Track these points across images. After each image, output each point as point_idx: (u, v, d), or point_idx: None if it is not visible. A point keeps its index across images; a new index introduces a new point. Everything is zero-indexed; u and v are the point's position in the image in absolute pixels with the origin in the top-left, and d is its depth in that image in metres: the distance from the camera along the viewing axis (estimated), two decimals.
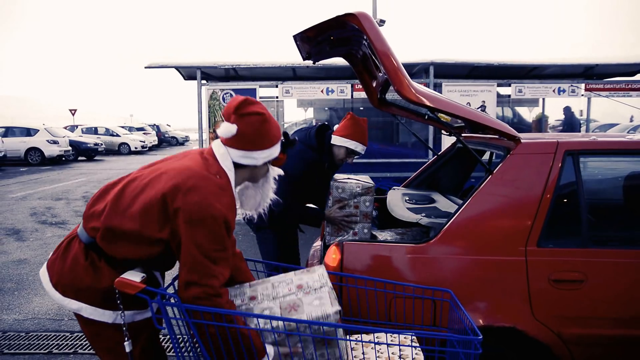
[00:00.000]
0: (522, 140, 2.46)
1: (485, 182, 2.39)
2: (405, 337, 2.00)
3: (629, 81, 9.50)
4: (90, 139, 23.82)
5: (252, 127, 1.83)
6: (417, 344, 1.97)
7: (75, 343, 3.77)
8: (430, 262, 2.35)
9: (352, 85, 9.13)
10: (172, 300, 1.73)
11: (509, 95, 9.70)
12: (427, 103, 2.29)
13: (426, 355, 1.97)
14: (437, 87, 9.25)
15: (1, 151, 17.60)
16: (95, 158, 23.29)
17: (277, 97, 9.80)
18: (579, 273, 2.29)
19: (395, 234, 3.10)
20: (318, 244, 3.42)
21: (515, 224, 2.34)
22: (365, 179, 3.06)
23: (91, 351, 3.60)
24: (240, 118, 1.82)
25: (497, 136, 2.73)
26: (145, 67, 9.17)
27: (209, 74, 9.71)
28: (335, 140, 3.12)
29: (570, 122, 11.87)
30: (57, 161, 20.39)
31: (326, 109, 11.17)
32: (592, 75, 10.14)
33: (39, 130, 19.87)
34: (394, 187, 3.57)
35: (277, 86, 9.38)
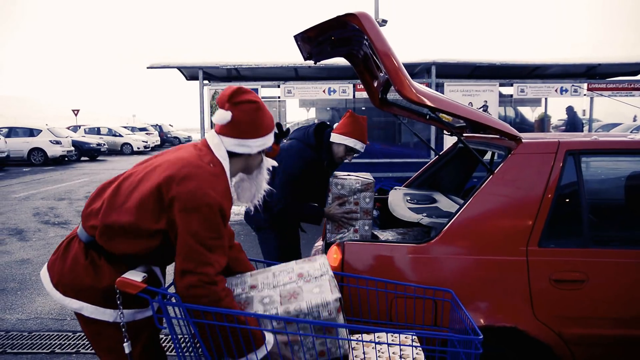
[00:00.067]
0: (523, 140, 2.46)
1: (487, 182, 2.39)
2: (406, 337, 2.00)
3: (632, 81, 9.47)
4: (93, 139, 23.87)
5: (247, 114, 1.84)
6: (418, 344, 1.97)
7: (77, 343, 3.79)
8: (432, 262, 2.35)
9: (354, 85, 9.13)
10: (173, 300, 1.74)
11: (511, 95, 9.70)
12: (428, 103, 2.29)
13: (427, 355, 1.97)
14: (439, 87, 9.24)
15: (4, 151, 17.65)
16: (98, 158, 23.33)
17: (279, 97, 9.81)
18: (580, 273, 2.28)
19: (397, 234, 3.10)
20: (320, 243, 3.42)
21: (517, 223, 2.34)
22: (365, 176, 3.05)
23: (93, 351, 3.61)
24: (235, 106, 1.84)
25: (498, 136, 2.73)
26: (148, 68, 9.19)
27: (211, 74, 9.73)
28: (335, 138, 3.12)
29: (573, 122, 11.85)
30: (60, 161, 20.43)
31: (328, 109, 11.18)
32: (595, 75, 10.12)
33: (41, 131, 19.92)
34: (396, 187, 3.57)
35: (279, 86, 9.38)
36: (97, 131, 27.17)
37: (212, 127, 2.45)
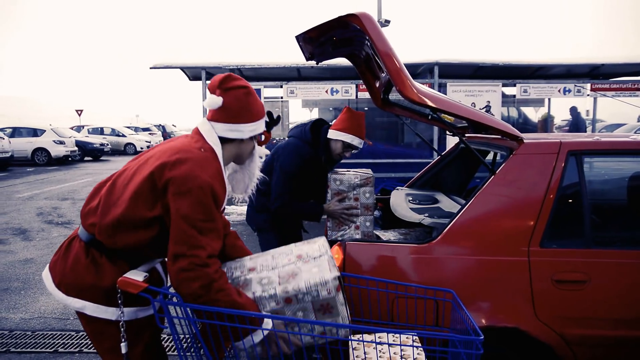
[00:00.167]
0: (524, 141, 2.46)
1: (488, 183, 2.39)
2: (407, 337, 2.00)
3: (635, 81, 9.44)
4: (96, 140, 23.95)
5: (238, 99, 1.86)
6: (419, 344, 1.97)
7: (80, 342, 3.80)
8: (433, 262, 2.35)
9: (357, 86, 9.13)
10: (175, 300, 1.74)
11: (514, 96, 9.67)
12: (430, 103, 2.29)
13: (428, 356, 1.97)
14: (442, 87, 9.23)
15: (8, 151, 17.71)
16: (101, 158, 23.39)
17: (281, 98, 9.82)
18: (582, 274, 2.28)
19: (399, 234, 3.10)
20: None
21: (518, 224, 2.34)
22: (364, 171, 3.03)
23: (96, 350, 3.63)
24: (225, 92, 1.85)
25: (499, 136, 2.73)
26: (151, 68, 9.21)
27: (214, 75, 9.75)
28: (332, 134, 3.09)
29: (576, 123, 11.82)
30: (64, 161, 20.49)
31: (331, 109, 11.18)
32: (598, 75, 10.09)
33: (45, 131, 19.99)
34: (398, 187, 3.57)
35: (281, 86, 9.40)
36: (100, 131, 27.25)
37: None
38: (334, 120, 3.17)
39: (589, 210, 2.38)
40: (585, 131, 12.04)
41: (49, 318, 4.31)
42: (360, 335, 2.01)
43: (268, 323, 1.75)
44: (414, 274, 2.35)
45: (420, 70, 9.73)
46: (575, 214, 2.42)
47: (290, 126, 11.65)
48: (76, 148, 21.10)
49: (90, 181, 14.19)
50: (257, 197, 3.19)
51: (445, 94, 8.38)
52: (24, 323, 4.20)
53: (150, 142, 28.02)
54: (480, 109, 8.67)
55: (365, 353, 1.90)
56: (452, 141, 8.43)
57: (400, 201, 3.14)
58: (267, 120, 2.04)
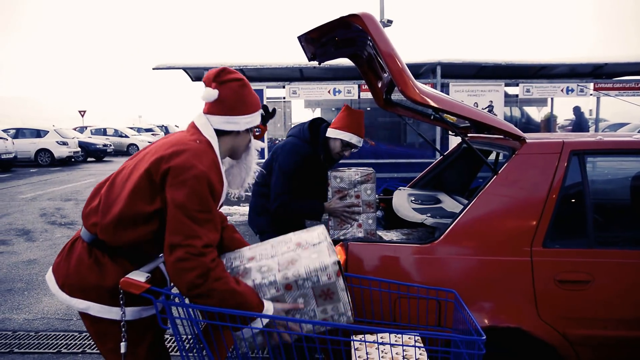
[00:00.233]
0: (527, 141, 2.45)
1: (491, 183, 2.39)
2: (409, 338, 2.00)
3: (639, 80, 9.42)
4: (99, 140, 24.01)
5: (233, 91, 1.87)
6: (421, 344, 1.97)
7: (83, 343, 3.81)
8: (436, 262, 2.35)
9: (359, 86, 9.13)
10: (177, 300, 1.75)
11: (517, 95, 9.66)
12: (432, 103, 2.29)
13: (430, 356, 1.97)
14: (445, 87, 9.22)
15: (11, 152, 17.77)
16: (104, 159, 23.45)
17: (284, 98, 9.82)
18: (585, 274, 2.27)
19: (401, 234, 3.09)
20: None
21: (521, 224, 2.33)
22: (365, 168, 3.01)
23: (99, 351, 3.63)
24: (221, 85, 1.86)
25: (502, 136, 2.72)
26: (153, 69, 9.23)
27: None
28: (330, 132, 3.05)
29: (579, 122, 11.80)
30: (67, 162, 20.56)
31: (333, 109, 11.19)
32: (601, 75, 10.06)
33: (48, 132, 20.05)
34: (401, 188, 3.57)
35: (284, 87, 9.40)
36: (103, 132, 27.32)
37: None
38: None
39: (592, 210, 2.37)
40: (588, 131, 12.01)
41: (52, 319, 4.32)
42: (363, 335, 2.01)
43: (269, 309, 1.74)
44: (417, 274, 2.35)
45: (422, 70, 9.72)
46: (578, 213, 2.41)
47: (294, 124, 11.68)
48: (79, 149, 21.17)
49: (93, 182, 14.22)
50: (258, 199, 3.18)
51: (448, 94, 8.38)
52: (27, 324, 4.22)
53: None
54: (482, 108, 8.66)
55: (367, 353, 1.90)
56: (454, 141, 8.42)
57: (403, 201, 3.14)
58: (263, 113, 2.04)
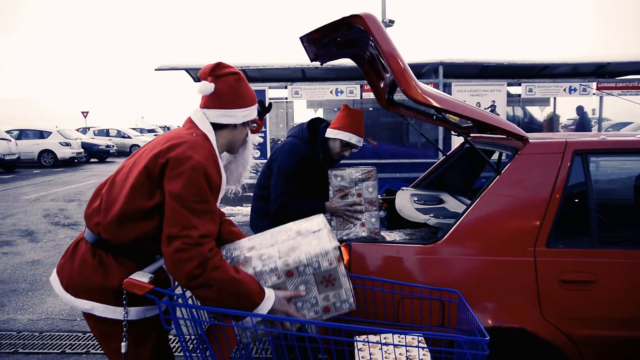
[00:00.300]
0: (530, 140, 2.45)
1: (494, 183, 2.38)
2: (412, 338, 2.00)
3: None
4: (102, 141, 24.07)
5: (229, 85, 1.88)
6: (425, 345, 1.96)
7: (87, 343, 3.82)
8: (439, 262, 2.35)
9: (361, 86, 9.13)
10: (180, 301, 1.75)
11: (520, 95, 9.65)
12: (434, 103, 2.29)
13: (433, 356, 1.97)
14: (447, 87, 9.22)
15: (15, 153, 17.83)
16: (107, 160, 23.51)
17: (286, 99, 9.83)
18: (588, 274, 2.27)
19: (404, 235, 3.09)
20: None
21: (524, 224, 2.33)
22: (366, 166, 2.97)
23: (103, 352, 3.64)
24: (217, 79, 1.87)
25: (505, 136, 2.72)
26: (156, 69, 9.25)
27: None
28: (330, 133, 3.00)
29: (582, 122, 11.78)
30: (70, 163, 20.62)
31: (335, 109, 11.20)
32: (604, 74, 10.04)
33: (51, 133, 20.12)
34: (403, 188, 3.57)
35: (286, 87, 9.41)
36: (106, 133, 27.40)
37: None
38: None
39: (596, 210, 2.37)
40: (591, 130, 11.98)
41: (56, 319, 4.33)
42: (366, 335, 2.01)
43: (270, 297, 1.73)
44: (420, 274, 2.35)
45: (424, 70, 9.72)
46: (582, 213, 2.41)
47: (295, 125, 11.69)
48: (82, 150, 21.24)
49: (96, 183, 14.26)
50: (259, 202, 3.17)
51: (450, 94, 8.37)
52: (31, 324, 4.23)
53: None
54: (485, 108, 8.65)
55: (370, 354, 1.90)
56: (457, 141, 8.41)
57: (406, 201, 3.14)
58: (259, 109, 2.05)
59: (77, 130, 27.15)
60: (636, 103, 5.04)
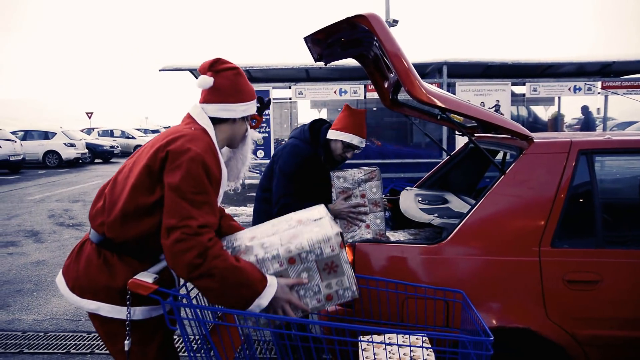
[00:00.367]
0: (535, 140, 2.44)
1: (498, 183, 2.38)
2: (416, 338, 2.00)
3: None
4: (106, 142, 24.15)
5: (228, 80, 1.89)
6: (429, 345, 1.96)
7: (92, 343, 3.83)
8: (443, 262, 2.34)
9: (365, 86, 9.12)
10: (184, 301, 1.75)
11: (524, 95, 9.62)
12: (439, 103, 2.28)
13: (438, 357, 1.96)
14: (451, 87, 9.21)
15: (20, 154, 17.91)
16: (111, 160, 23.58)
17: (290, 99, 9.84)
18: (593, 274, 2.26)
19: (409, 235, 3.09)
20: None
21: (529, 224, 2.32)
22: (369, 167, 2.93)
23: (108, 351, 3.65)
24: (216, 74, 1.88)
25: (509, 136, 2.71)
26: (160, 70, 9.27)
27: None
28: (331, 134, 2.95)
29: (587, 121, 11.74)
30: (74, 164, 20.69)
31: (339, 109, 11.18)
32: (609, 73, 10.00)
33: (56, 134, 20.20)
34: (407, 188, 3.56)
35: (290, 87, 9.41)
36: (110, 134, 27.48)
37: None
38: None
39: (601, 210, 2.36)
40: (595, 130, 11.94)
41: (60, 319, 4.35)
42: (370, 336, 2.01)
43: (273, 284, 1.72)
44: (424, 274, 2.34)
45: (428, 70, 9.71)
46: (587, 213, 2.40)
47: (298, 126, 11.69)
48: (86, 150, 21.31)
49: (100, 183, 14.31)
50: (261, 204, 3.15)
51: (454, 94, 8.35)
52: (36, 324, 4.24)
53: None
54: (489, 108, 8.63)
55: (374, 354, 1.90)
56: (461, 141, 8.40)
57: (410, 201, 3.13)
58: (258, 105, 2.06)
59: (82, 130, 27.24)
60: None
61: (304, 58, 8.72)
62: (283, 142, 10.43)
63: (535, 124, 11.26)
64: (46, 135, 20.20)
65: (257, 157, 9.87)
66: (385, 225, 2.84)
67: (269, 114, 9.64)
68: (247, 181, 12.09)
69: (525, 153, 2.41)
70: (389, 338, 2.02)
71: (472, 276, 2.32)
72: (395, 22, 15.03)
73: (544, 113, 12.08)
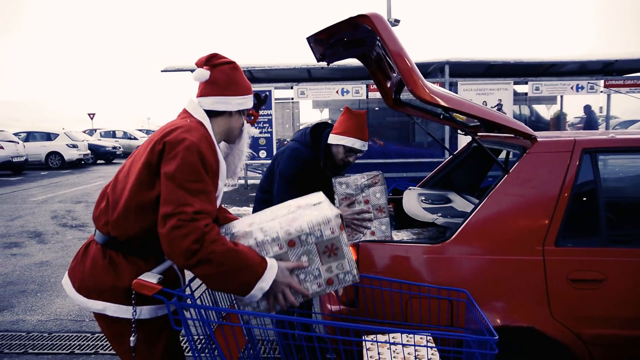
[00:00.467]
0: (538, 139, 2.44)
1: (502, 182, 2.38)
2: (421, 338, 2.00)
3: None
4: (108, 143, 24.19)
5: (225, 73, 1.90)
6: (433, 344, 1.96)
7: (96, 343, 3.84)
8: (447, 262, 2.34)
9: (367, 86, 9.12)
10: (189, 302, 1.75)
11: (526, 93, 9.60)
12: (442, 103, 2.28)
13: (442, 356, 1.96)
14: (453, 86, 9.20)
15: (23, 155, 17.95)
16: (113, 161, 23.62)
17: (292, 99, 9.84)
18: (598, 273, 2.26)
19: (412, 234, 3.09)
20: None
21: (533, 223, 2.32)
22: (371, 172, 2.85)
23: (112, 351, 3.66)
24: (213, 68, 1.90)
25: (512, 135, 2.71)
26: (162, 71, 9.28)
27: None
28: (332, 139, 2.88)
29: (589, 120, 11.72)
30: (77, 165, 20.73)
31: (341, 109, 11.19)
32: (612, 72, 9.98)
33: (58, 135, 20.25)
34: (410, 187, 3.56)
35: (292, 88, 9.41)
36: (112, 134, 27.52)
37: None
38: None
39: (605, 209, 2.35)
40: (597, 128, 11.91)
41: (64, 320, 4.35)
42: (374, 335, 2.01)
43: (273, 266, 1.71)
44: (428, 274, 2.34)
45: (430, 70, 9.70)
46: (591, 212, 2.40)
47: (301, 127, 11.70)
48: (89, 151, 21.36)
49: (102, 184, 14.33)
50: (261, 206, 3.14)
51: (456, 93, 8.35)
52: (40, 325, 4.25)
53: None
54: (491, 107, 8.62)
55: (379, 353, 1.90)
56: (463, 140, 8.39)
57: (413, 201, 3.13)
58: (255, 101, 2.07)
59: (84, 131, 27.29)
60: None
61: (306, 58, 8.73)
62: (285, 142, 10.43)
63: (537, 123, 11.25)
64: (49, 136, 20.24)
65: (260, 157, 9.88)
66: (391, 232, 2.77)
67: (271, 114, 9.65)
68: (250, 181, 12.10)
69: (529, 152, 2.40)
70: (393, 337, 2.02)
71: (476, 275, 2.32)
72: (397, 21, 15.02)
73: (546, 112, 12.06)
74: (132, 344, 1.77)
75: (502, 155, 3.82)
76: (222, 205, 2.16)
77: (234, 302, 1.89)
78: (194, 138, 1.72)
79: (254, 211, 3.19)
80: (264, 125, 9.66)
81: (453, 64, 8.96)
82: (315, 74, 9.81)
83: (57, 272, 5.79)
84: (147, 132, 31.31)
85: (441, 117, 3.41)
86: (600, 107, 12.55)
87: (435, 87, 2.35)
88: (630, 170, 3.23)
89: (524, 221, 2.34)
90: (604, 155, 2.48)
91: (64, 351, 3.71)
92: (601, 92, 9.38)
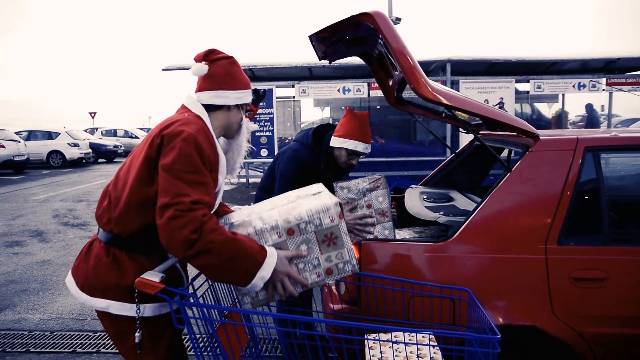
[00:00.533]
0: (540, 137, 2.43)
1: (504, 180, 2.37)
2: (423, 336, 2.00)
3: None
4: (109, 142, 24.20)
5: (223, 68, 1.91)
6: (436, 343, 1.96)
7: (98, 342, 3.84)
8: (449, 260, 2.34)
9: (369, 84, 9.11)
10: (191, 300, 1.75)
11: (528, 92, 9.59)
12: (444, 101, 2.28)
13: (444, 355, 1.96)
14: (455, 85, 9.19)
15: (24, 154, 17.97)
16: (114, 160, 23.63)
17: (293, 97, 9.83)
18: (600, 271, 2.26)
19: (414, 233, 3.08)
20: None
21: (535, 221, 2.32)
22: (373, 176, 2.82)
23: (114, 350, 3.66)
24: (211, 63, 1.90)
25: (515, 133, 2.70)
26: (163, 70, 9.28)
27: None
28: (334, 142, 2.86)
29: (591, 119, 11.71)
30: (78, 164, 20.75)
31: (343, 108, 11.19)
32: (614, 70, 9.96)
33: (60, 134, 20.26)
34: (412, 186, 3.55)
35: (293, 86, 9.41)
36: (113, 133, 27.54)
37: None
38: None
39: (607, 207, 2.35)
40: (599, 127, 11.89)
41: (66, 319, 4.36)
42: (377, 334, 2.00)
43: (272, 254, 1.70)
44: (430, 272, 2.34)
45: (432, 68, 9.69)
46: (593, 210, 2.39)
47: (303, 126, 11.69)
48: (90, 150, 21.38)
49: (104, 183, 14.34)
50: None
51: (458, 91, 8.33)
52: (42, 324, 4.26)
53: None
54: (493, 105, 8.61)
55: (381, 352, 1.90)
56: (465, 138, 8.39)
57: (415, 199, 3.13)
58: (254, 97, 2.08)
59: (85, 130, 27.31)
60: None
61: (307, 56, 8.72)
62: (287, 141, 10.42)
63: (539, 121, 11.24)
64: (50, 135, 20.26)
65: (261, 156, 9.88)
66: (394, 236, 2.73)
67: (272, 113, 9.66)
68: (251, 180, 12.10)
69: (531, 150, 2.40)
70: (395, 336, 2.02)
71: (478, 274, 2.31)
72: (398, 20, 15.00)
73: (547, 110, 12.04)
74: (137, 340, 1.77)
75: (504, 153, 3.82)
76: (223, 203, 2.17)
77: (236, 300, 1.89)
78: (191, 130, 1.72)
79: None
80: (265, 123, 9.66)
81: (455, 62, 8.95)
82: (317, 72, 9.80)
83: (58, 270, 5.80)
84: (148, 130, 31.35)
85: (443, 115, 3.40)
86: (602, 106, 12.53)
87: (438, 85, 2.34)
88: (632, 169, 3.22)
89: (526, 219, 2.33)
90: (606, 154, 2.47)
91: (66, 350, 3.72)
92: (603, 90, 9.36)
